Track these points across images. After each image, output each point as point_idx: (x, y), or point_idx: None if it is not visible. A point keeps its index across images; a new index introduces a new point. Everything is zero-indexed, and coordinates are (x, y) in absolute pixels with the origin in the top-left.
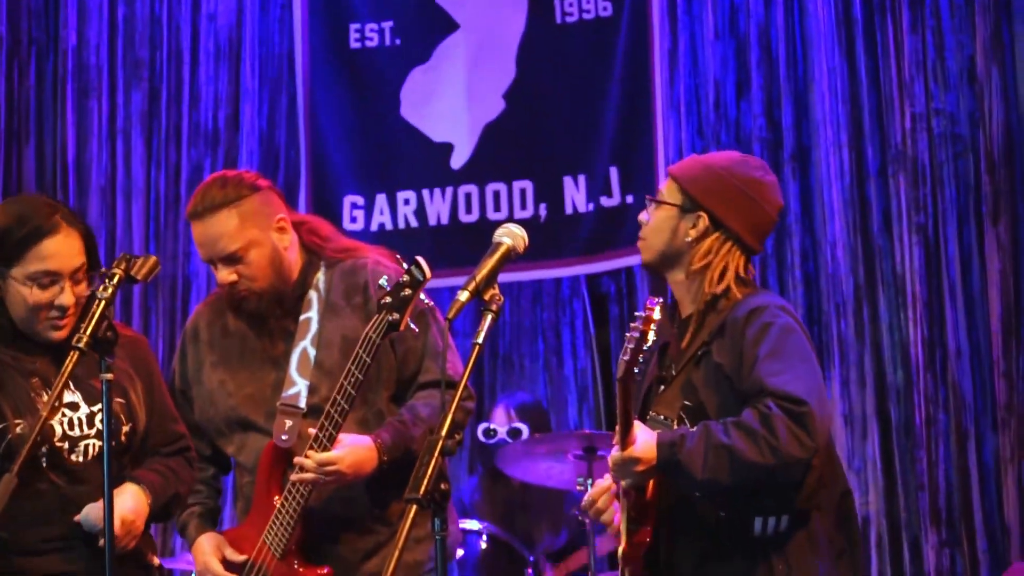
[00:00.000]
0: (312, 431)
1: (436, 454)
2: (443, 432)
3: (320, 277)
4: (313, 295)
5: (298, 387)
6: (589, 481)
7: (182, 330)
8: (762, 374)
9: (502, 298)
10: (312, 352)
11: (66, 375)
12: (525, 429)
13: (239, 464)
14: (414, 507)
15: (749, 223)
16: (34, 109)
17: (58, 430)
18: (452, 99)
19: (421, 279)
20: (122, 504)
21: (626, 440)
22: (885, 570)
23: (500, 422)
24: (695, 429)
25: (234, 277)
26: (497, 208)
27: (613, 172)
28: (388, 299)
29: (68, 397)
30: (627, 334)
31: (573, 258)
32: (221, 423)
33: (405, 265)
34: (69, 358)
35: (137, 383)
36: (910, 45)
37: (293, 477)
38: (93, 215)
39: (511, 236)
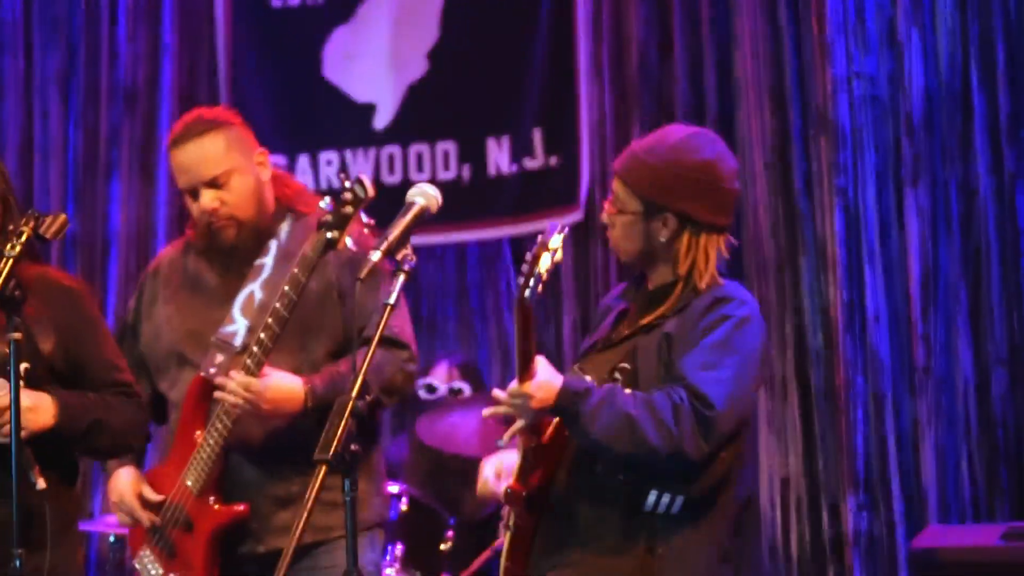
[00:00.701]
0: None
1: (347, 415)
2: (354, 392)
3: (284, 227)
4: (273, 243)
5: (236, 325)
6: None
7: (143, 271)
8: (690, 363)
9: (415, 258)
10: (259, 295)
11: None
12: (466, 388)
13: (171, 401)
14: (323, 468)
15: (714, 207)
16: None
17: None
18: (375, 59)
19: (363, 196)
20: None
21: (525, 374)
22: (804, 532)
23: (441, 379)
24: (604, 386)
25: (216, 204)
26: (420, 169)
27: (536, 133)
28: (329, 217)
29: None
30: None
31: (497, 219)
32: (161, 357)
33: (348, 183)
34: None
35: (50, 334)
36: (832, 7)
37: (216, 395)
38: (11, 174)
39: (424, 196)
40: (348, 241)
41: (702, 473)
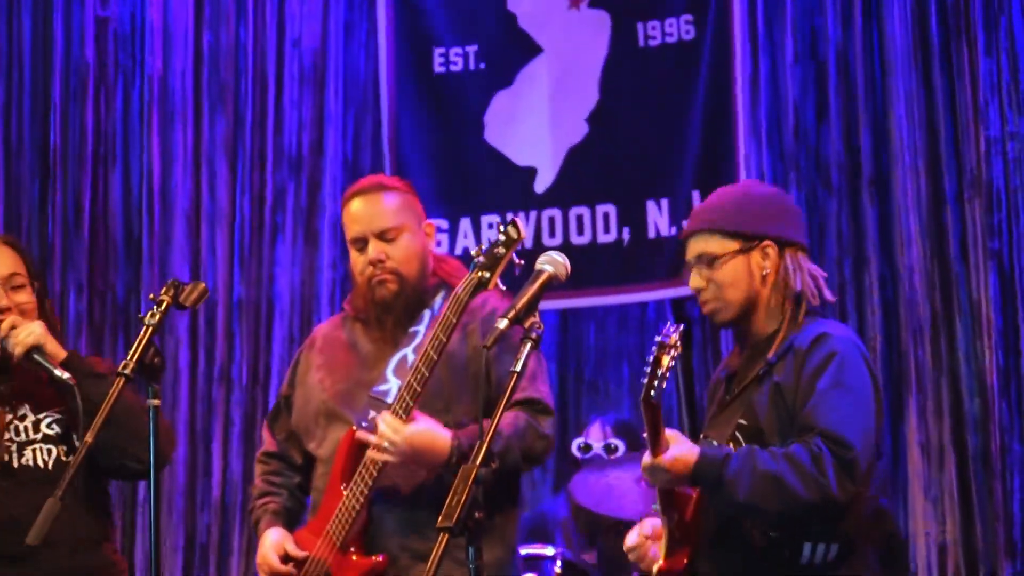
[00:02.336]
0: None
1: (470, 482)
2: (478, 460)
3: (438, 299)
4: (427, 312)
5: (389, 384)
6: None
7: (301, 345)
8: (817, 409)
9: (542, 325)
10: (411, 357)
11: (111, 400)
12: (622, 445)
13: (319, 458)
14: (445, 536)
15: (798, 226)
16: (120, 135)
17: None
18: (535, 123)
19: (515, 238)
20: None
21: (656, 451)
22: None
23: (596, 438)
24: (741, 450)
25: (383, 255)
26: (580, 232)
27: (696, 196)
28: (481, 259)
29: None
30: (648, 358)
31: (657, 282)
32: (311, 418)
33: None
34: (116, 384)
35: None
36: (984, 68)
37: (358, 435)
38: (178, 240)
39: (552, 264)
40: (499, 284)
41: (848, 515)
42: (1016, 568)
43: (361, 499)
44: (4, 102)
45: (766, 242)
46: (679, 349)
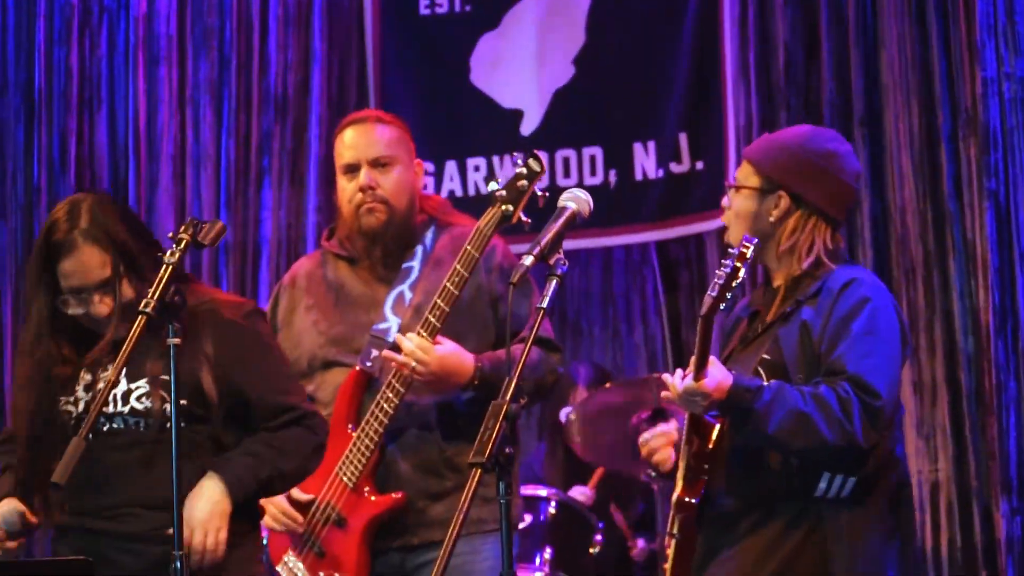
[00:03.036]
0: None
1: (500, 418)
2: (508, 396)
3: (428, 235)
4: (418, 248)
5: (389, 323)
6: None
7: (278, 282)
8: (848, 354)
9: (567, 262)
10: (408, 295)
11: (134, 340)
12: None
13: (316, 400)
14: (478, 471)
15: (828, 195)
16: (105, 77)
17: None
18: (522, 65)
19: (538, 171)
20: (195, 512)
21: (700, 373)
22: (955, 537)
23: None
24: (771, 384)
25: (374, 183)
26: (567, 174)
27: (682, 138)
28: (503, 192)
29: (87, 376)
30: (717, 271)
31: (643, 224)
32: (305, 362)
33: (521, 160)
34: (137, 322)
35: (204, 360)
36: (981, 9)
37: (384, 354)
38: (164, 183)
39: (576, 201)
40: (522, 216)
41: (870, 456)
42: (1013, 504)
43: (376, 437)
44: None
45: (780, 193)
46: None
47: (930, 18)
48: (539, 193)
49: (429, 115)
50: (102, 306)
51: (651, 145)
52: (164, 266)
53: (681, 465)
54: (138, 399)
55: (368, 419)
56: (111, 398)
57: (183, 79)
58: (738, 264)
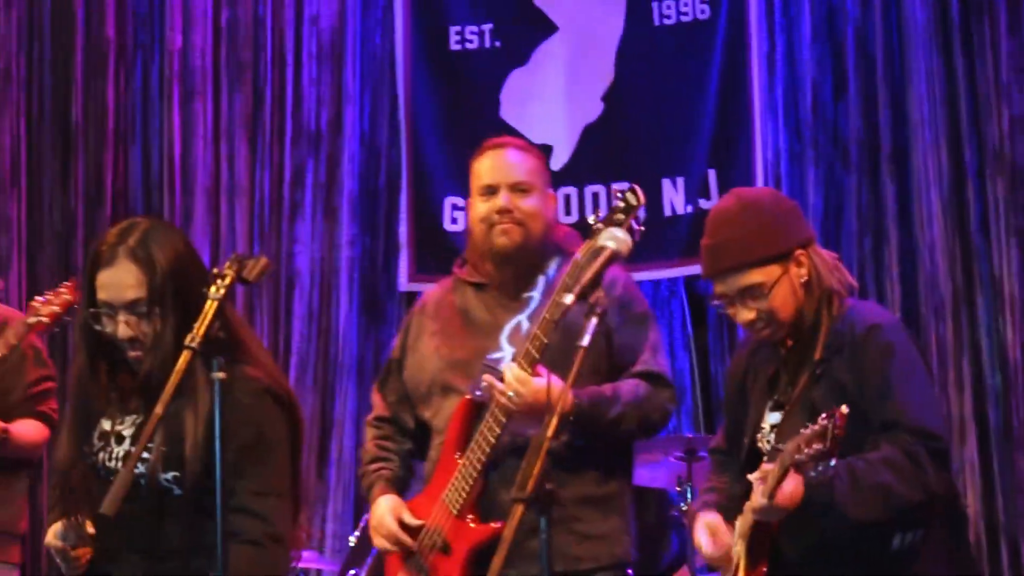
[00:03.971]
0: None
1: (542, 453)
2: (549, 433)
3: (553, 265)
4: (541, 278)
5: (503, 353)
6: (688, 485)
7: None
8: (897, 406)
9: (607, 300)
10: (525, 325)
11: (179, 376)
12: None
13: (433, 428)
14: (520, 507)
15: (803, 219)
16: (140, 111)
17: (100, 457)
18: (551, 101)
19: (635, 204)
20: None
21: (775, 492)
22: (983, 573)
23: None
24: (839, 468)
25: (512, 205)
26: (596, 209)
27: (711, 174)
28: (600, 225)
29: (119, 427)
30: (805, 431)
31: (672, 260)
32: (426, 387)
33: (619, 193)
34: (182, 357)
35: (199, 442)
36: (1007, 48)
37: (485, 378)
38: (199, 215)
39: (615, 240)
40: (619, 281)
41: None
42: None
43: (478, 465)
44: (26, 78)
45: (797, 251)
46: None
47: (957, 56)
48: (635, 227)
49: (459, 150)
50: (127, 328)
51: (680, 181)
52: (209, 301)
53: (743, 551)
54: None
55: (472, 447)
56: (113, 454)
57: (217, 113)
58: (833, 446)
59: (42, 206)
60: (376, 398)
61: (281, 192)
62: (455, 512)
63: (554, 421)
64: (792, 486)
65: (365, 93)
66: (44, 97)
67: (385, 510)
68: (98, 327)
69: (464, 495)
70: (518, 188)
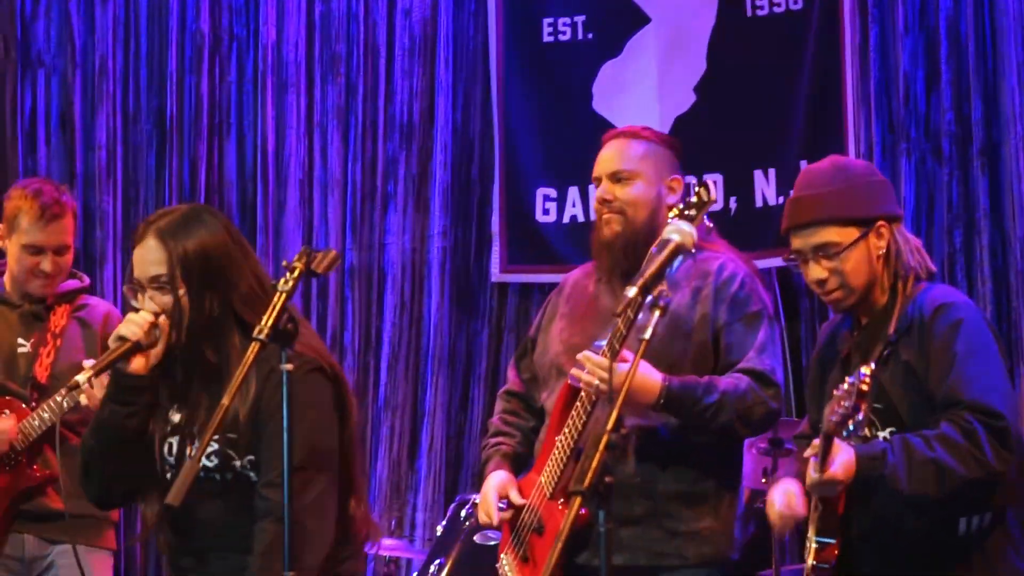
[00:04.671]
0: None
1: (601, 447)
2: (609, 426)
3: (677, 258)
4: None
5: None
6: (774, 479)
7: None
8: (959, 382)
9: (670, 294)
10: (642, 314)
11: (248, 364)
12: None
13: (545, 410)
14: (578, 499)
15: (893, 196)
16: (235, 104)
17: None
18: (643, 92)
19: (707, 200)
20: None
21: (824, 465)
22: None
23: None
24: (894, 442)
25: (610, 196)
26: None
27: (803, 165)
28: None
29: (174, 416)
30: (837, 393)
31: (764, 251)
32: (546, 369)
33: (694, 188)
34: (251, 349)
35: (251, 408)
36: None
37: (572, 372)
38: (291, 206)
39: (680, 233)
40: (738, 277)
41: (1002, 481)
42: None
43: (567, 450)
44: (122, 72)
45: (880, 222)
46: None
47: None
48: (708, 225)
49: (551, 142)
50: (151, 303)
51: (771, 172)
52: (278, 293)
53: (811, 531)
54: (208, 457)
55: (564, 432)
56: (173, 446)
57: (311, 105)
58: (858, 402)
59: (137, 200)
60: (511, 372)
61: (374, 184)
62: (548, 494)
63: (614, 414)
64: (844, 458)
65: (458, 85)
66: (139, 91)
67: (491, 486)
68: (133, 303)
69: (556, 478)
70: (617, 177)
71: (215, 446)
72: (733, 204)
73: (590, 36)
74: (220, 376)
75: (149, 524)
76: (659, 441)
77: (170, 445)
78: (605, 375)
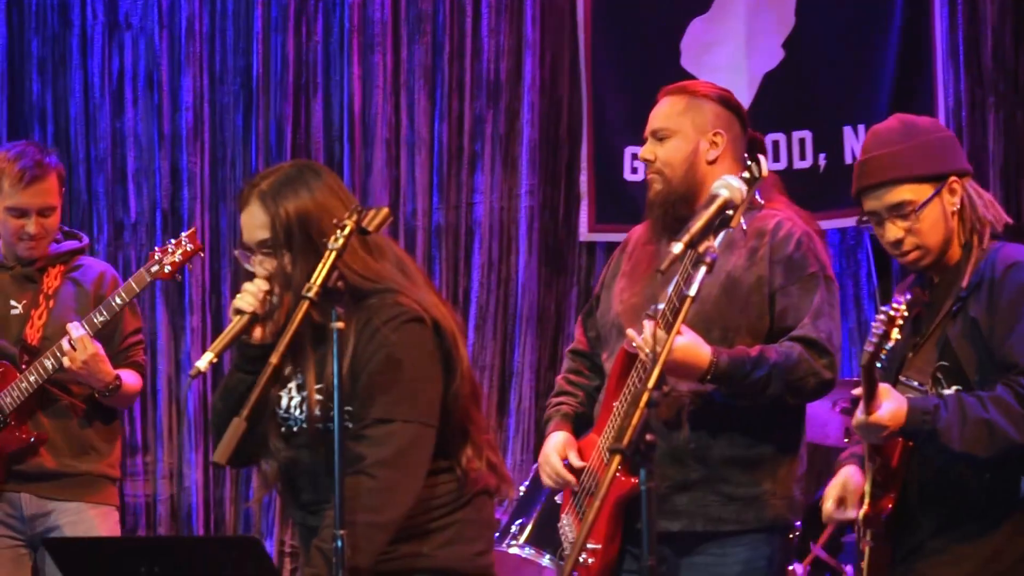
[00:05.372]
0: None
1: (641, 405)
2: (650, 384)
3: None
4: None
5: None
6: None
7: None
8: (1018, 345)
9: (717, 250)
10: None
11: (296, 323)
12: None
13: (605, 371)
14: (617, 458)
15: (961, 152)
16: (321, 64)
17: (284, 402)
18: (731, 49)
19: (758, 176)
20: None
21: (871, 405)
22: None
23: None
24: (948, 399)
25: (651, 156)
26: (776, 158)
27: None
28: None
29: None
30: (872, 324)
31: (855, 208)
32: (608, 328)
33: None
34: (299, 307)
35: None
36: None
37: (624, 344)
38: (378, 166)
39: (728, 188)
40: (742, 223)
41: None
42: None
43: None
44: (208, 33)
45: (952, 178)
46: (906, 319)
47: None
48: (757, 200)
49: (639, 99)
50: (261, 267)
51: (861, 128)
52: (327, 251)
53: (867, 481)
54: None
55: (622, 398)
56: (289, 399)
57: (397, 65)
58: (888, 329)
59: (224, 160)
60: (578, 331)
61: (461, 143)
62: (606, 460)
63: (656, 372)
64: (893, 405)
65: (545, 43)
66: (226, 52)
67: (552, 447)
68: (247, 267)
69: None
70: (658, 136)
71: (320, 397)
72: (823, 161)
73: None
74: (325, 334)
75: (267, 482)
76: (713, 407)
77: (279, 399)
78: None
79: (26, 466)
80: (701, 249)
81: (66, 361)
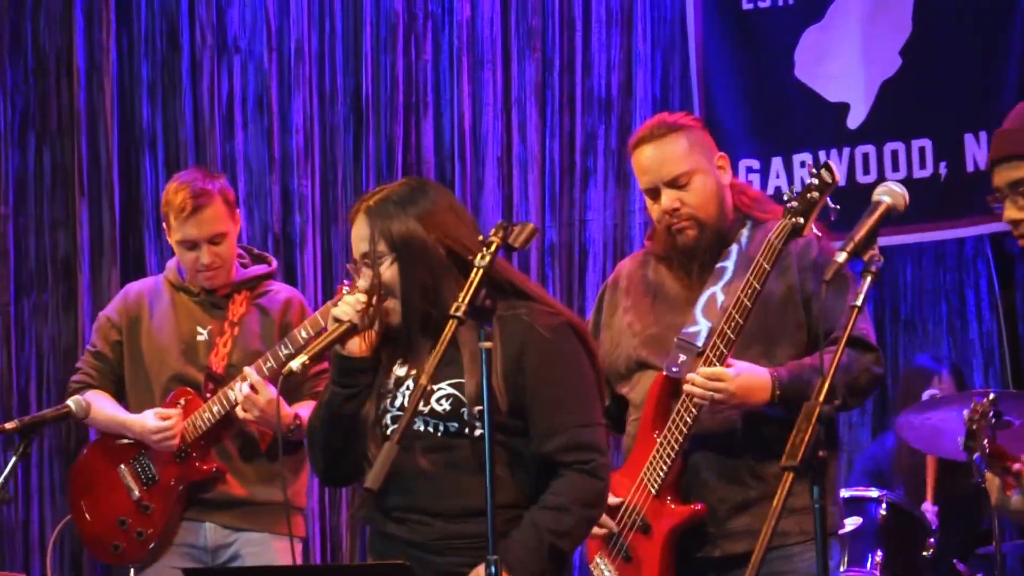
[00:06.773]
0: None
1: (814, 420)
2: (821, 396)
3: (744, 232)
4: (734, 247)
5: (699, 327)
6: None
7: (604, 283)
8: None
9: (882, 258)
10: (720, 297)
11: (445, 343)
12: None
13: (631, 402)
14: (790, 476)
15: None
16: (431, 82)
17: (398, 402)
18: (847, 58)
19: (830, 182)
20: None
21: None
22: None
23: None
24: None
25: (677, 204)
26: (895, 167)
27: None
28: (794, 203)
29: (399, 371)
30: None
31: (976, 217)
32: (622, 364)
33: (815, 170)
34: (448, 327)
35: (500, 365)
36: None
37: (685, 388)
38: (490, 184)
39: (891, 195)
40: (813, 228)
41: None
42: None
43: (676, 446)
44: (318, 53)
45: None
46: (991, 413)
47: None
48: (831, 206)
49: (753, 111)
50: (363, 280)
51: (983, 136)
52: (475, 269)
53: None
54: (438, 401)
55: (670, 427)
56: (403, 400)
57: (507, 81)
58: (979, 429)
59: (336, 182)
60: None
61: (572, 159)
62: (654, 492)
63: (826, 385)
64: None
65: (656, 56)
66: (335, 72)
67: None
68: (358, 280)
69: (663, 475)
70: (676, 184)
71: (448, 389)
72: (943, 170)
73: (791, 2)
74: (441, 327)
75: (363, 499)
76: (766, 421)
77: (393, 398)
78: (721, 385)
79: (212, 494)
80: (866, 258)
81: (240, 411)
